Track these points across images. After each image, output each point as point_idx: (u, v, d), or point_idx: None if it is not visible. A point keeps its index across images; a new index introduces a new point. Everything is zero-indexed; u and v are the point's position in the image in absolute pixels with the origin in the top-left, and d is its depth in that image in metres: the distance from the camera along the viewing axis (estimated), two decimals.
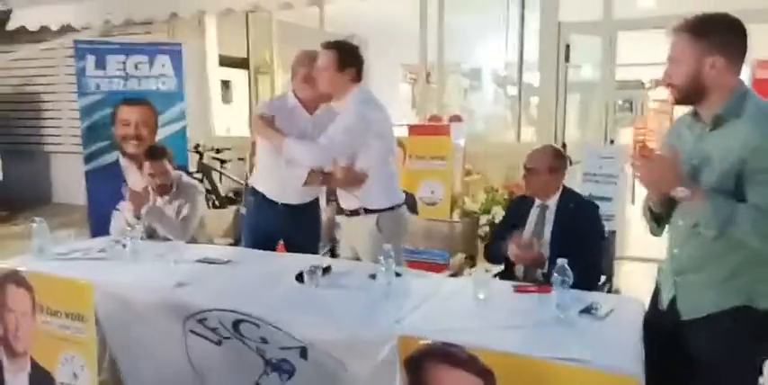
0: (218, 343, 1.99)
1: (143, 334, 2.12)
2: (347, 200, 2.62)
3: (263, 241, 2.76)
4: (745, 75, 6.92)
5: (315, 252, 2.81)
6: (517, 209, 2.63)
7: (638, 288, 2.20)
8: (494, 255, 2.59)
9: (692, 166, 1.56)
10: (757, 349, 1.59)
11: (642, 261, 4.23)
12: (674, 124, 1.77)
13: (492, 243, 2.69)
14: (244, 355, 1.96)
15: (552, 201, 2.49)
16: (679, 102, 1.60)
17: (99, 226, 4.35)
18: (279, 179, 2.65)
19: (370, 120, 2.48)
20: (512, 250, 2.36)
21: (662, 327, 1.69)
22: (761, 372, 1.62)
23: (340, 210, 2.67)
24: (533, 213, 2.52)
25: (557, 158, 2.47)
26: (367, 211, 2.57)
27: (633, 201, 5.20)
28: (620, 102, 12.47)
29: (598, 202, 2.63)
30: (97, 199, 4.59)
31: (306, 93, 2.66)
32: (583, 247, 2.26)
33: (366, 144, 2.49)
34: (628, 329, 1.74)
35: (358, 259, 2.64)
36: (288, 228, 2.77)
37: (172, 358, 2.07)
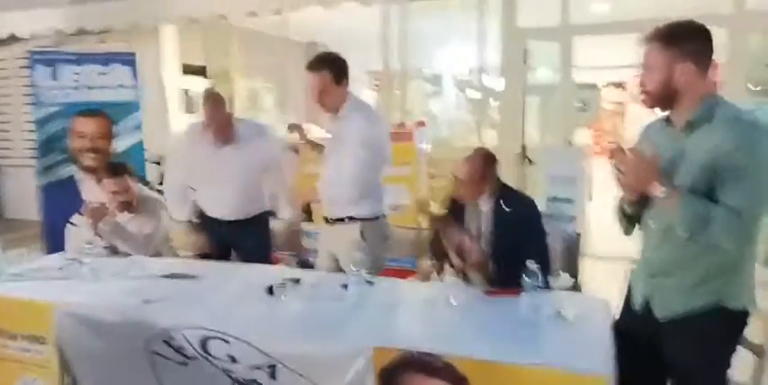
0: (184, 363, 1.93)
1: (107, 356, 2.04)
2: (332, 208, 2.61)
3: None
4: None
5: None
6: (455, 212, 2.48)
7: (599, 285, 2.25)
8: (435, 254, 2.57)
9: (668, 170, 1.60)
10: (729, 348, 1.64)
11: (602, 259, 4.33)
12: (644, 130, 1.83)
13: (432, 241, 2.59)
14: (211, 376, 1.90)
15: (485, 203, 2.37)
16: (653, 107, 1.66)
17: (54, 242, 4.19)
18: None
19: (375, 132, 2.54)
20: (453, 258, 2.30)
21: (638, 328, 1.73)
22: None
23: (309, 219, 2.65)
24: (468, 215, 2.42)
25: (486, 165, 2.36)
26: (352, 220, 2.56)
27: (590, 198, 5.32)
28: (576, 104, 12.79)
29: (560, 204, 2.65)
30: (52, 214, 4.43)
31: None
32: (527, 244, 2.19)
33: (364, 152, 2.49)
34: (596, 328, 1.78)
35: (339, 269, 2.62)
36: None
37: (137, 380, 2.00)
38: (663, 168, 1.59)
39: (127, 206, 2.93)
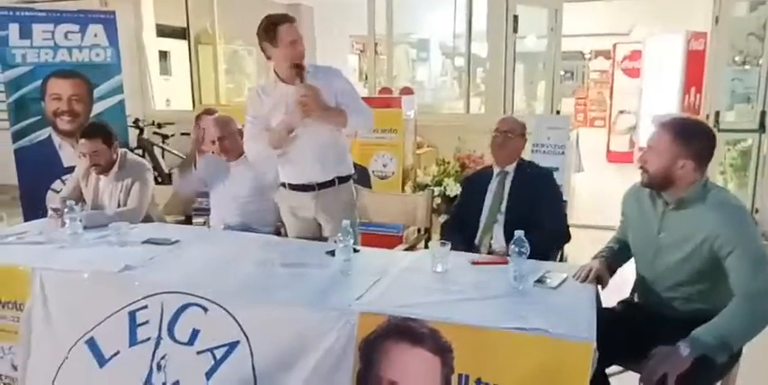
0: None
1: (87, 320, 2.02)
2: (321, 173, 2.51)
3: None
4: (681, 46, 7.23)
5: None
6: (474, 184, 2.68)
7: (583, 254, 2.29)
8: (451, 241, 2.61)
9: (661, 241, 1.84)
10: None
11: (587, 228, 4.39)
12: (630, 193, 2.02)
13: (450, 224, 2.72)
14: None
15: (511, 168, 2.58)
16: (646, 185, 1.85)
17: (32, 206, 4.13)
18: None
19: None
20: None
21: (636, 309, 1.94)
22: None
23: (301, 188, 2.55)
24: (494, 183, 2.59)
25: (524, 127, 2.65)
26: (341, 181, 2.54)
27: (579, 169, 5.35)
28: (562, 72, 12.76)
29: None
30: (29, 178, 4.34)
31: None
32: (545, 211, 2.42)
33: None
34: (580, 297, 1.79)
35: (320, 237, 2.60)
36: None
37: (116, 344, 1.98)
38: (656, 238, 1.84)
39: (100, 169, 2.85)
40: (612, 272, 2.00)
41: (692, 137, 1.76)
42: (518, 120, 2.68)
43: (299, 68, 2.35)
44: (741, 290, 1.65)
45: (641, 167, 1.83)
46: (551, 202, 2.51)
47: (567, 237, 2.53)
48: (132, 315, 1.92)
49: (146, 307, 1.91)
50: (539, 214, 2.40)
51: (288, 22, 2.36)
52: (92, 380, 1.95)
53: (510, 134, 2.56)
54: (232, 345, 1.79)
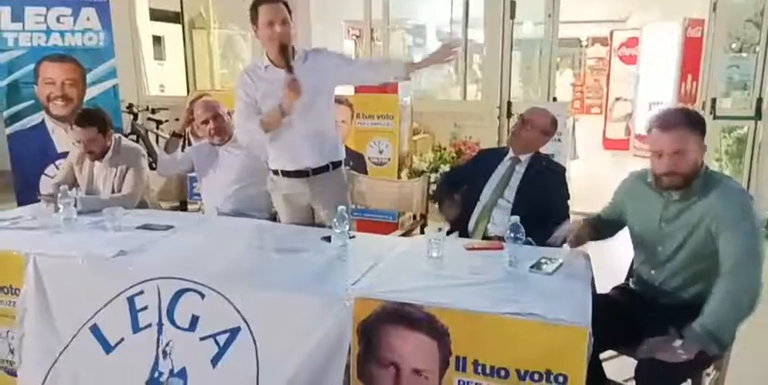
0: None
1: (85, 306, 2.02)
2: (315, 157, 2.49)
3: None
4: (678, 33, 7.20)
5: None
6: (485, 160, 2.67)
7: None
8: (442, 201, 2.66)
9: (663, 231, 1.85)
10: None
11: (582, 214, 4.39)
12: (628, 184, 2.03)
13: (444, 184, 2.76)
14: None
15: (525, 157, 2.56)
16: (681, 188, 1.81)
17: (25, 192, 4.11)
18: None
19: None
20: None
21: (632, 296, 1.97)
22: None
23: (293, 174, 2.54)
24: (504, 164, 2.57)
25: (553, 125, 2.56)
26: (334, 166, 2.52)
27: (574, 157, 5.36)
28: (559, 59, 12.71)
29: None
30: (22, 163, 4.31)
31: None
32: (549, 205, 2.38)
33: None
34: (576, 282, 1.79)
35: (315, 223, 2.60)
36: None
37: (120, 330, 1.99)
38: (659, 227, 1.86)
39: (95, 155, 2.83)
40: (593, 239, 2.03)
41: (698, 120, 1.79)
42: (548, 114, 2.56)
43: (282, 52, 2.30)
44: (722, 270, 1.68)
45: (670, 174, 1.78)
46: (558, 201, 2.48)
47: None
48: (131, 300, 1.92)
49: (142, 292, 1.91)
50: (544, 210, 2.33)
51: (269, 2, 2.31)
52: (99, 366, 1.95)
53: (529, 126, 2.51)
54: (234, 332, 1.80)
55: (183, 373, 1.86)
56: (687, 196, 1.81)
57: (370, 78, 2.54)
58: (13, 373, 2.13)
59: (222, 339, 1.81)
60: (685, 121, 1.76)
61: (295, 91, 2.28)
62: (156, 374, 1.88)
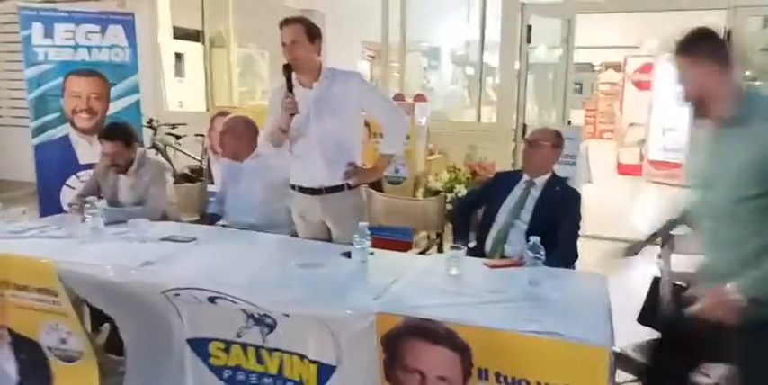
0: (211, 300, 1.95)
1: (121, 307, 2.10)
2: (330, 176, 2.51)
3: None
4: None
5: None
6: (501, 182, 2.71)
7: (592, 264, 2.30)
8: (458, 223, 2.72)
9: (708, 168, 1.72)
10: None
11: (595, 239, 4.39)
12: (693, 141, 1.93)
13: (461, 206, 2.84)
14: (227, 309, 1.93)
15: (540, 181, 2.57)
16: (700, 115, 1.75)
17: (48, 202, 4.18)
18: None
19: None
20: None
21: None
22: None
23: (308, 190, 2.59)
24: (519, 187, 2.60)
25: (558, 137, 2.60)
26: (350, 186, 2.55)
27: (589, 180, 5.37)
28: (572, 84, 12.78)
29: None
30: (47, 174, 4.39)
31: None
32: (563, 232, 2.39)
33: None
34: (595, 303, 1.81)
35: (329, 240, 2.62)
36: None
37: (159, 315, 2.06)
38: (703, 166, 1.73)
39: (122, 169, 2.90)
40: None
41: (698, 42, 1.69)
42: (549, 129, 2.65)
43: (286, 70, 2.40)
44: None
45: (686, 101, 1.73)
46: (570, 225, 2.48)
47: (575, 258, 2.50)
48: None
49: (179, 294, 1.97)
50: (556, 233, 2.37)
51: (286, 24, 2.41)
52: None
53: (541, 142, 2.55)
54: None
55: None
56: (729, 124, 1.66)
57: (387, 150, 2.66)
58: (65, 360, 2.27)
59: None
60: (681, 48, 1.70)
61: (288, 109, 2.37)
62: None
